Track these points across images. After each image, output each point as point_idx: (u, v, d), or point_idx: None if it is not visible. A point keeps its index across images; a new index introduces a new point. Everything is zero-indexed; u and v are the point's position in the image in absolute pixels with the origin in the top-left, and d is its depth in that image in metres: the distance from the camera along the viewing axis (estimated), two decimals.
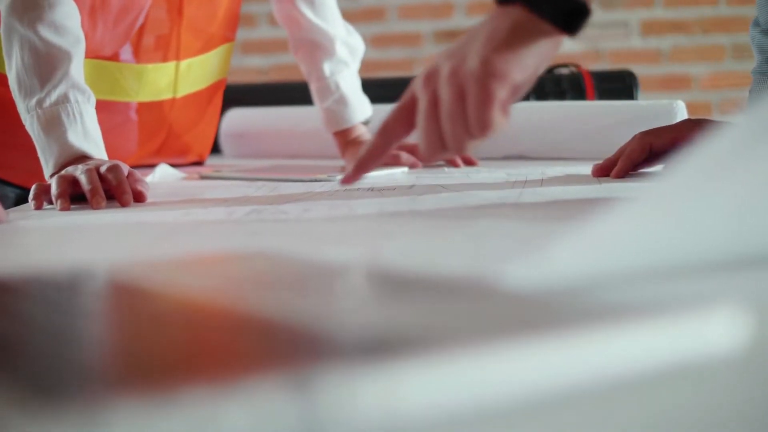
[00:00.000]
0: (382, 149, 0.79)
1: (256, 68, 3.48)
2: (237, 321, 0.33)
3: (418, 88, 0.76)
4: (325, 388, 0.25)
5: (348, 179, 0.81)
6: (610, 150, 1.12)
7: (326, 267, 0.47)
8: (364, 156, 0.80)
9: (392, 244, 0.67)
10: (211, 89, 1.53)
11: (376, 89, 1.55)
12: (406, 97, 0.78)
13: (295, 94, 1.83)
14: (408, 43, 3.46)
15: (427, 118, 0.75)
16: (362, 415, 0.26)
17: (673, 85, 3.33)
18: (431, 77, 0.75)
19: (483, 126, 0.72)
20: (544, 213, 0.79)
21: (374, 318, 0.33)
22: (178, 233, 0.79)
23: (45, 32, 1.10)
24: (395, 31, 3.46)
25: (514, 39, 0.74)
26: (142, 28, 1.35)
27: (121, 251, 0.72)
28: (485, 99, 0.71)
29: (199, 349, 0.30)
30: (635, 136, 1.09)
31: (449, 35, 3.43)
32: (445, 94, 0.73)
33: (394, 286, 0.41)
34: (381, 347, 0.28)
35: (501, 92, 0.72)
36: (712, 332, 0.35)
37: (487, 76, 0.72)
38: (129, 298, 0.38)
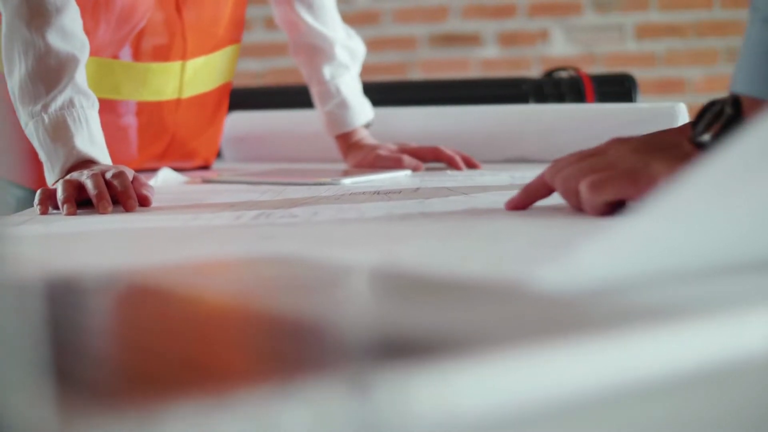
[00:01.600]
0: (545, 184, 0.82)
1: (251, 72, 3.48)
2: (284, 324, 0.33)
3: (604, 147, 0.80)
4: (383, 389, 0.25)
5: (513, 206, 0.84)
6: None
7: (352, 270, 0.47)
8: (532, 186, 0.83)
9: (410, 247, 0.67)
10: (218, 92, 1.52)
11: (371, 93, 1.55)
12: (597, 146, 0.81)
13: (295, 97, 1.83)
14: (403, 46, 3.47)
15: (578, 158, 0.79)
16: (419, 416, 0.26)
17: (668, 88, 3.34)
18: (615, 146, 0.78)
19: (595, 188, 0.74)
20: (556, 214, 0.79)
21: (423, 320, 0.33)
22: (189, 238, 0.78)
23: (53, 38, 1.09)
24: (390, 34, 3.46)
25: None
26: (142, 31, 1.34)
27: (137, 256, 0.72)
28: (619, 179, 0.73)
29: (253, 352, 0.29)
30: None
31: (444, 39, 3.43)
32: (610, 155, 0.77)
33: (429, 288, 0.41)
34: (435, 348, 0.28)
35: (633, 193, 0.73)
36: (749, 333, 0.35)
37: (642, 180, 0.73)
38: (167, 302, 0.38)
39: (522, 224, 0.76)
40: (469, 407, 0.27)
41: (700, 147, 0.76)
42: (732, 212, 0.45)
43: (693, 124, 0.78)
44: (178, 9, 1.36)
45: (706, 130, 0.76)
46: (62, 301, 0.39)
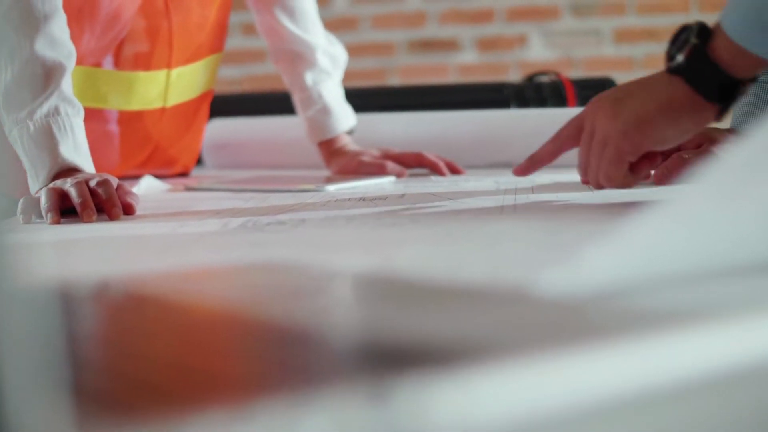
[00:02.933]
0: (552, 153, 0.95)
1: (228, 79, 3.46)
2: (299, 333, 0.32)
3: (586, 113, 0.89)
4: (401, 398, 0.25)
5: (521, 171, 0.97)
6: None
7: (356, 277, 0.47)
8: (538, 154, 0.96)
9: (404, 252, 0.66)
10: (199, 100, 1.51)
11: (350, 99, 1.54)
12: (580, 115, 0.91)
13: (274, 104, 1.82)
14: (381, 52, 3.46)
15: (584, 145, 0.89)
16: (437, 423, 0.25)
17: None
18: (596, 110, 0.87)
19: (609, 179, 0.87)
20: (550, 217, 0.79)
21: (437, 327, 0.33)
22: (177, 245, 0.78)
23: (40, 45, 1.08)
24: (368, 40, 3.46)
25: (661, 116, 0.83)
26: (123, 38, 1.33)
27: (127, 264, 0.71)
28: (616, 160, 0.85)
29: (270, 361, 0.29)
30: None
31: (423, 45, 3.44)
32: (597, 135, 0.87)
33: (435, 294, 0.40)
34: (454, 356, 0.28)
35: (631, 158, 0.86)
36: (758, 336, 0.35)
37: (623, 144, 0.85)
38: (175, 312, 0.37)
39: (516, 228, 0.76)
40: (485, 415, 0.27)
41: (676, 71, 0.82)
42: (738, 215, 0.45)
43: (668, 47, 0.85)
44: (168, 14, 1.35)
45: (678, 51, 0.83)
46: (63, 310, 0.38)
